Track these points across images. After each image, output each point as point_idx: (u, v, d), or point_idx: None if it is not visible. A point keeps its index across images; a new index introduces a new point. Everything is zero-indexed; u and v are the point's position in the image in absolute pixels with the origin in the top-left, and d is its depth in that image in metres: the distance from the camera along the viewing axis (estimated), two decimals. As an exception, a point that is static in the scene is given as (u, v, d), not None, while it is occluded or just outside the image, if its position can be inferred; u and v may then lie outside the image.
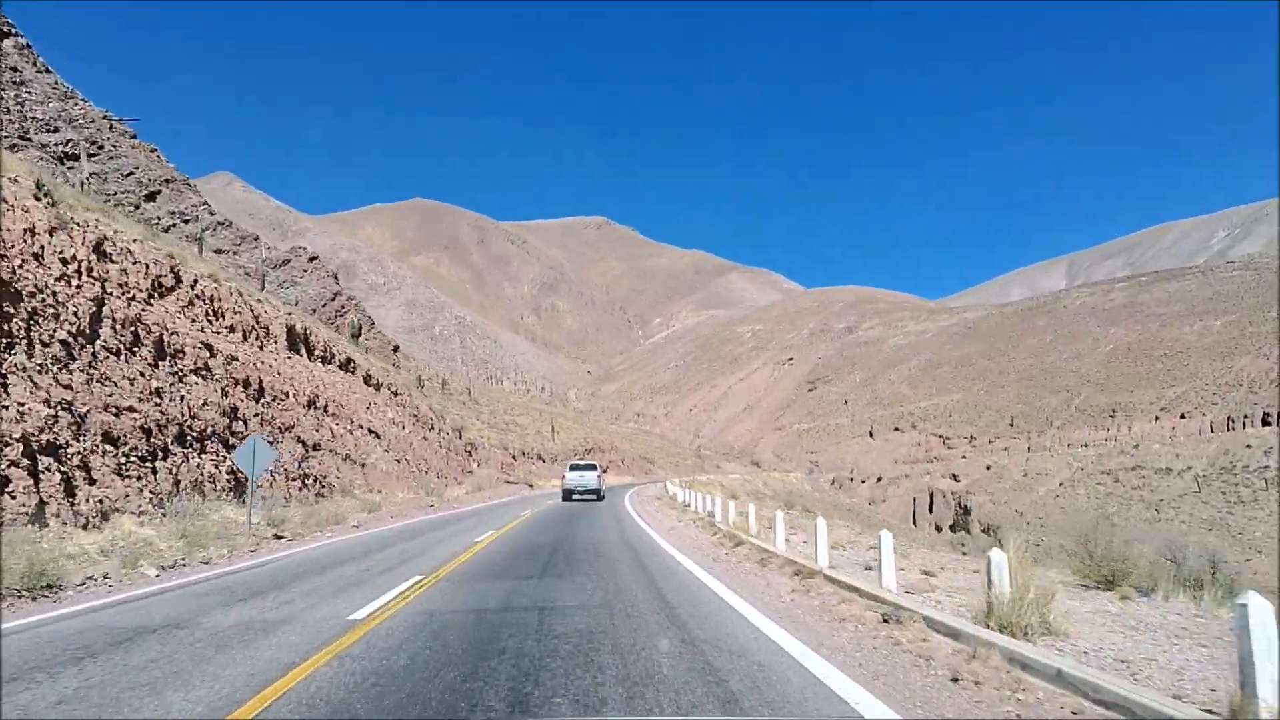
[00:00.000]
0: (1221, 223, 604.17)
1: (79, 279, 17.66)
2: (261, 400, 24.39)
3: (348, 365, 38.30)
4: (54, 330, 15.85)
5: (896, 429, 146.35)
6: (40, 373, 14.87)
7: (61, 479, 14.14)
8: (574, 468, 39.68)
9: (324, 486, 25.81)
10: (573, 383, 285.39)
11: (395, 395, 43.39)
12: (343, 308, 69.98)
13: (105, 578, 11.32)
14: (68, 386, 15.38)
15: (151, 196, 78.10)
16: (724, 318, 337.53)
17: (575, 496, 37.10)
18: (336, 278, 73.86)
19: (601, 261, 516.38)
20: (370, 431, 33.03)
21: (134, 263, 20.82)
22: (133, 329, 18.67)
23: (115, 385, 16.96)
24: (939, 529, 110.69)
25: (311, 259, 73.54)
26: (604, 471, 48.19)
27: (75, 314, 16.78)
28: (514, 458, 65.65)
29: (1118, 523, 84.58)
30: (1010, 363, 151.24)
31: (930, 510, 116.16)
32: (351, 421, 31.12)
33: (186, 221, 76.45)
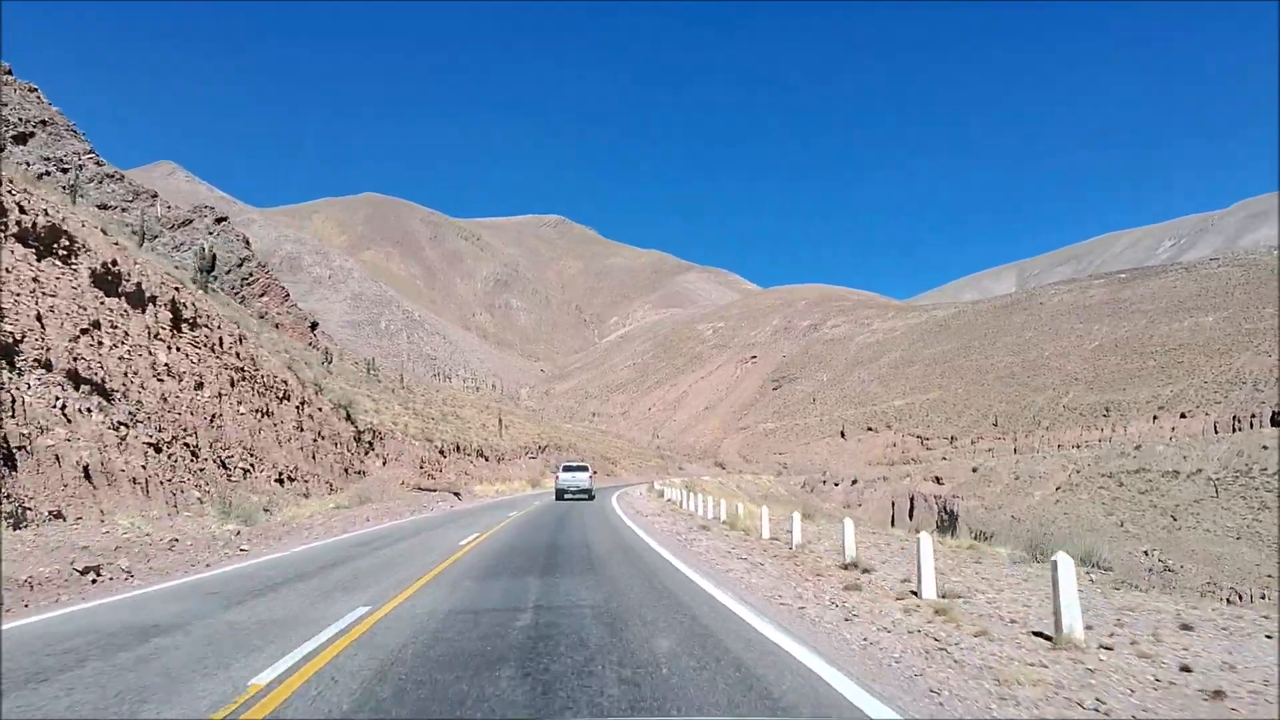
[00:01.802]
0: (1168, 232, 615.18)
1: None
2: None
3: (51, 243, 19.13)
4: None
5: (870, 429, 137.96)
6: None
7: None
8: (567, 468, 41.30)
9: None
10: (526, 381, 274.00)
11: (192, 326, 24.64)
12: (252, 275, 58.57)
13: None
14: None
15: (22, 139, 66.08)
16: (683, 316, 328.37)
17: (568, 496, 38.41)
18: (248, 243, 62.41)
19: (557, 260, 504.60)
20: (85, 383, 16.82)
21: None
22: None
23: None
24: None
25: (219, 220, 62.13)
26: (595, 474, 47.54)
27: None
28: (442, 454, 50.86)
29: (1132, 530, 76.72)
30: (989, 360, 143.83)
31: (911, 515, 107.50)
32: (8, 356, 14.99)
33: (65, 170, 64.84)
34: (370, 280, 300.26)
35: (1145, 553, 69.62)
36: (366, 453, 39.57)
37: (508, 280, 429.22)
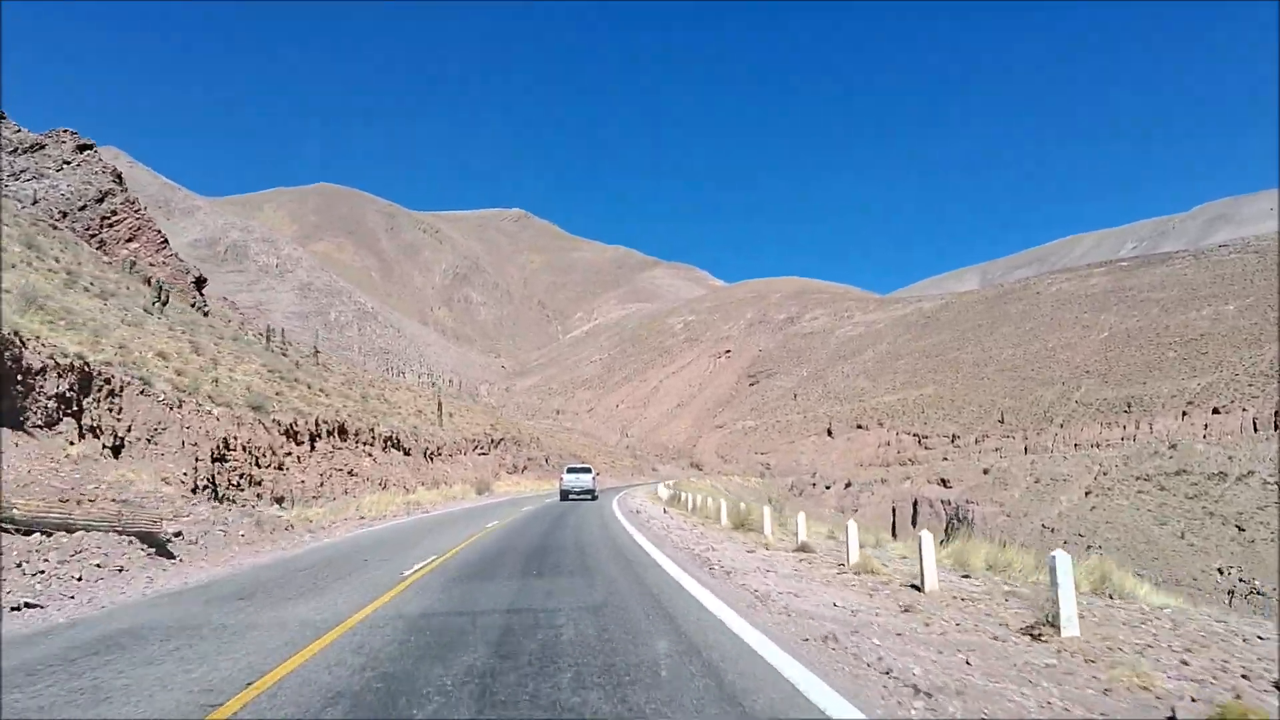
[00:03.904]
0: (1129, 235, 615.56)
1: None
2: None
3: None
4: None
5: (859, 426, 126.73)
6: None
7: None
8: (571, 470, 43.27)
9: None
10: (486, 377, 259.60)
11: None
12: (116, 213, 44.86)
13: None
14: None
15: None
16: (650, 310, 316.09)
17: (572, 497, 40.67)
18: (120, 178, 48.60)
19: (519, 254, 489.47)
20: None
21: None
22: None
23: None
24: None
25: (81, 148, 48.25)
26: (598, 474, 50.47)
27: None
28: (294, 438, 29.24)
29: (1196, 543, 65.81)
30: (987, 353, 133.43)
31: (913, 522, 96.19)
32: None
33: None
34: (320, 270, 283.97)
35: (1220, 570, 58.82)
36: (55, 420, 17.57)
37: (467, 274, 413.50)
